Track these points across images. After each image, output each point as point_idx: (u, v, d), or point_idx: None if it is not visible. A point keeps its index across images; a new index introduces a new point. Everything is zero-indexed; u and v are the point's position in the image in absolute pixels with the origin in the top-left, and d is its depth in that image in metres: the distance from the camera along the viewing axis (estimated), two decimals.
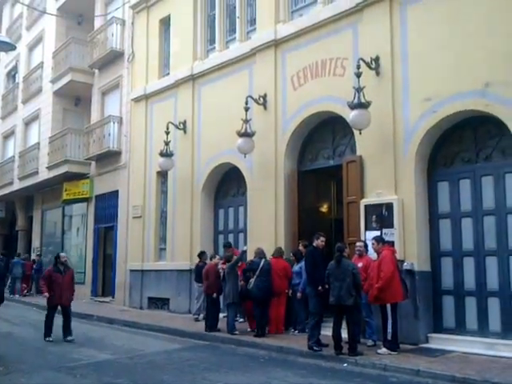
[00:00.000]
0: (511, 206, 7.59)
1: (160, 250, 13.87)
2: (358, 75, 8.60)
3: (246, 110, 10.55)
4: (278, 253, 9.62)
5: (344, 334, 7.63)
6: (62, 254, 10.10)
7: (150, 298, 13.85)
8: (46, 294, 9.47)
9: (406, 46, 8.70)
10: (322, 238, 8.38)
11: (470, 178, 8.14)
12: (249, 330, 9.57)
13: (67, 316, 9.46)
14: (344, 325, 7.68)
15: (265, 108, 10.95)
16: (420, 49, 8.50)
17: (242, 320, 10.38)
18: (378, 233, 8.58)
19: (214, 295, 9.92)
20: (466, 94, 7.86)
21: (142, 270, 14.03)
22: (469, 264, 8.03)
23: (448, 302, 8.23)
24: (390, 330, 7.53)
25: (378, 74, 8.96)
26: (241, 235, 11.91)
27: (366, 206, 8.90)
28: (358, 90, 8.58)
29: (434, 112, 8.23)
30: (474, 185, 8.08)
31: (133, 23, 15.54)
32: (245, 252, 10.17)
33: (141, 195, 14.37)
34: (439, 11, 8.29)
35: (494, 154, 7.98)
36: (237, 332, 9.39)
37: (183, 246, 12.74)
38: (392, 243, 8.10)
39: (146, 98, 14.52)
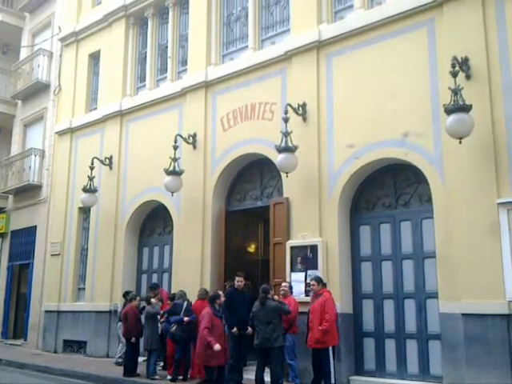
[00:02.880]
0: (428, 250, 7.93)
1: (79, 289, 13.24)
2: (286, 120, 8.84)
3: (175, 148, 10.51)
4: (204, 295, 9.45)
5: (267, 378, 7.53)
6: None
7: (65, 341, 13.10)
8: None
9: (331, 95, 9.08)
10: (238, 278, 8.34)
11: (390, 222, 8.47)
12: (169, 377, 9.16)
13: None
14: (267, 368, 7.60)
15: (194, 147, 10.95)
16: (344, 97, 8.88)
17: (162, 364, 10.00)
18: (303, 274, 8.70)
19: (133, 339, 9.54)
20: (387, 143, 8.26)
21: (59, 311, 13.29)
22: (389, 306, 8.26)
23: (369, 344, 8.38)
24: (332, 372, 7.30)
25: (304, 119, 9.25)
26: (165, 275, 11.63)
27: (291, 248, 9.00)
28: (286, 134, 8.80)
29: (357, 158, 8.57)
30: (394, 229, 8.41)
31: (61, 56, 15.24)
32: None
33: (61, 231, 13.77)
34: (363, 63, 8.75)
35: (412, 201, 8.38)
36: (157, 376, 9.04)
37: (103, 285, 12.24)
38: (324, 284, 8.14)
39: (71, 131, 14.13)
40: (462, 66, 7.38)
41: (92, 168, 12.19)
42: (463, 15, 7.68)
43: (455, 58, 7.26)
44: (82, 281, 13.14)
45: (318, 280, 7.79)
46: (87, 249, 13.12)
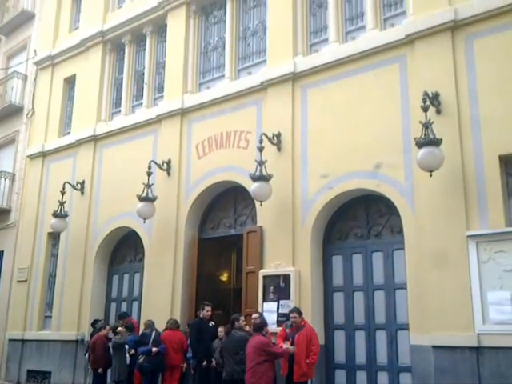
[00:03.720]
0: (399, 281, 7.98)
1: (45, 317, 12.86)
2: (261, 149, 8.89)
3: (149, 174, 10.43)
4: (173, 325, 9.26)
5: None
6: None
7: (29, 371, 12.64)
8: None
9: (305, 125, 9.19)
10: (207, 308, 8.24)
11: (362, 253, 8.52)
12: None
13: None
14: None
15: (168, 174, 10.89)
16: (318, 128, 9.00)
17: None
18: (275, 304, 8.64)
19: (100, 370, 9.27)
20: (359, 174, 8.36)
21: (23, 340, 12.86)
22: (360, 338, 8.23)
23: (340, 376, 8.31)
24: None
25: (279, 149, 9.32)
26: (135, 304, 11.40)
27: (264, 277, 8.94)
28: (260, 163, 8.84)
29: (330, 188, 8.64)
30: (366, 260, 8.45)
31: (35, 79, 15.12)
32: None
33: (28, 257, 13.42)
34: (337, 96, 8.90)
35: (384, 232, 8.46)
36: None
37: (71, 314, 11.91)
38: None
39: (43, 155, 13.93)
40: (432, 100, 7.57)
41: (63, 193, 11.98)
42: (434, 52, 7.92)
43: (426, 93, 7.45)
44: (49, 308, 12.78)
45: (298, 311, 7.62)
46: (55, 275, 12.81)
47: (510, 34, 7.37)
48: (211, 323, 8.74)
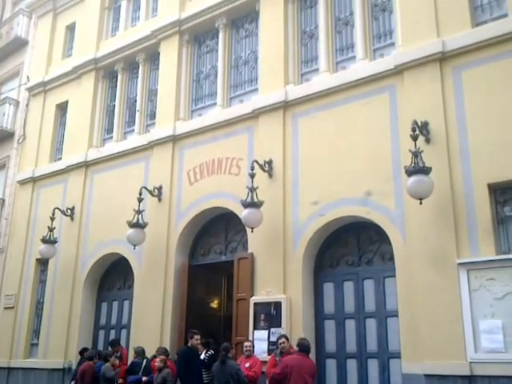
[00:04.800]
0: (391, 309, 7.96)
1: (32, 345, 12.63)
2: (252, 176, 8.94)
3: (140, 200, 10.41)
4: (162, 353, 9.11)
5: None
6: None
7: None
8: None
9: (296, 153, 9.28)
10: (197, 337, 8.13)
11: (354, 280, 8.51)
12: None
13: None
14: None
15: (159, 200, 10.89)
16: (309, 156, 9.09)
17: None
18: (266, 332, 8.57)
19: None
20: (350, 201, 8.42)
21: (9, 368, 12.59)
22: (352, 366, 8.17)
23: None
24: None
25: (270, 176, 9.38)
26: (123, 331, 11.24)
27: (255, 304, 8.89)
28: (252, 189, 8.88)
29: (321, 215, 8.68)
30: (357, 287, 8.44)
31: (27, 105, 15.16)
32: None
33: (16, 283, 13.23)
34: (327, 124, 9.01)
35: (375, 259, 8.48)
36: None
37: (58, 341, 11.71)
38: None
39: (33, 181, 13.88)
40: (421, 129, 7.69)
41: (53, 218, 11.92)
42: (423, 82, 8.08)
43: (415, 122, 7.57)
44: (36, 336, 12.56)
45: (287, 337, 7.68)
46: (43, 302, 12.63)
47: (496, 66, 7.56)
48: (210, 352, 8.59)
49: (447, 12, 8.16)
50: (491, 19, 8.00)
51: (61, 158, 13.67)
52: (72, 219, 12.45)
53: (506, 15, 7.80)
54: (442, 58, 8.02)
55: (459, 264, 7.10)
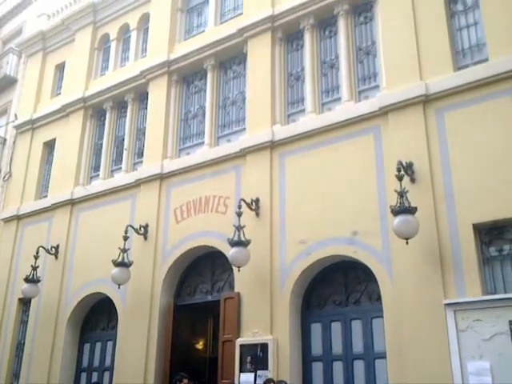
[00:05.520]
0: (378, 350, 7.87)
1: None
2: (239, 214, 8.93)
3: (125, 239, 10.32)
4: None
5: None
6: None
7: None
8: None
9: (283, 191, 9.31)
10: (185, 381, 7.94)
11: (341, 320, 8.43)
12: None
13: None
14: None
15: (145, 238, 10.80)
16: (296, 195, 9.13)
17: None
18: (252, 375, 8.40)
19: None
20: (337, 240, 8.42)
21: None
22: None
23: None
24: None
25: (257, 214, 9.38)
26: (106, 374, 10.95)
27: (241, 346, 8.73)
28: (239, 228, 8.86)
29: (309, 254, 8.65)
30: (345, 328, 8.35)
31: (14, 143, 15.15)
32: None
33: None
34: (314, 163, 9.10)
35: (363, 299, 8.42)
36: None
37: None
38: None
39: (18, 218, 13.73)
40: (406, 170, 7.79)
41: (37, 257, 11.74)
42: (407, 123, 8.24)
43: (400, 163, 7.68)
44: (16, 379, 12.17)
45: (274, 381, 7.56)
46: (24, 343, 12.30)
47: (478, 108, 7.74)
48: None
49: (430, 56, 8.41)
50: (472, 63, 8.24)
51: (46, 196, 13.58)
52: (56, 258, 12.28)
53: (486, 60, 8.04)
54: (426, 101, 8.20)
55: (446, 305, 7.07)
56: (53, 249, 12.32)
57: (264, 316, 8.70)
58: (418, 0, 8.80)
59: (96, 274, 11.25)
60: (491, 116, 7.59)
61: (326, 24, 10.26)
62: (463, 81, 7.93)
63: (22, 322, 12.75)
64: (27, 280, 11.55)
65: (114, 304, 10.98)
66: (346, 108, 9.15)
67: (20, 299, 12.67)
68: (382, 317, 7.80)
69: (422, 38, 8.54)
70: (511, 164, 7.21)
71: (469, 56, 8.39)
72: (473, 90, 7.85)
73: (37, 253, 11.79)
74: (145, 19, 13.46)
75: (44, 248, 12.13)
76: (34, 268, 11.63)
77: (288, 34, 10.63)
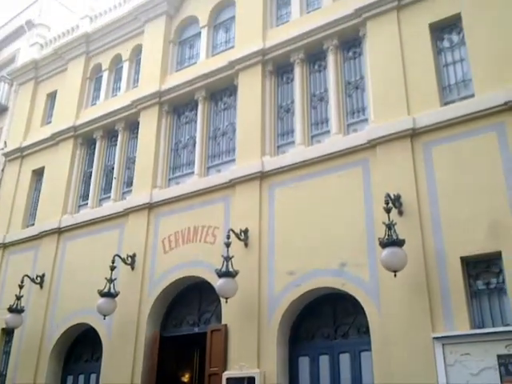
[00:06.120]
0: None
1: None
2: (228, 245, 8.89)
3: (112, 269, 10.19)
4: None
5: None
6: None
7: None
8: None
9: (273, 222, 9.31)
10: None
11: (329, 354, 8.34)
12: None
13: None
14: None
15: (132, 268, 10.69)
16: (285, 226, 9.14)
17: None
18: None
19: None
20: (326, 272, 8.40)
21: None
22: None
23: None
24: None
25: (246, 245, 9.35)
26: None
27: (227, 379, 8.57)
28: (227, 258, 8.81)
29: (297, 286, 8.60)
30: (333, 362, 8.25)
31: (3, 170, 15.08)
32: None
33: None
34: (303, 195, 9.15)
35: (351, 332, 8.35)
36: None
37: None
38: None
39: (3, 247, 13.56)
40: (394, 202, 7.85)
41: (21, 286, 11.54)
42: (395, 156, 8.34)
43: (388, 195, 7.73)
44: None
45: None
46: (6, 374, 11.99)
47: (465, 143, 7.87)
48: None
49: (417, 91, 8.58)
50: (459, 99, 8.42)
51: (33, 224, 13.46)
52: (41, 287, 12.10)
53: (472, 95, 8.21)
54: (413, 134, 8.33)
55: (434, 338, 7.04)
56: (38, 278, 12.14)
57: (251, 349, 8.59)
58: (405, 36, 9.03)
59: (81, 304, 11.08)
60: (477, 151, 7.71)
61: (315, 58, 10.47)
62: (450, 116, 8.09)
63: (5, 353, 12.45)
64: (11, 310, 11.32)
65: (98, 335, 10.78)
66: (335, 140, 9.26)
67: (3, 329, 12.40)
68: (370, 350, 7.73)
69: (410, 73, 8.75)
70: (497, 197, 7.30)
71: (455, 91, 8.58)
72: (459, 124, 8.00)
73: (22, 282, 11.60)
74: (137, 50, 13.64)
75: (29, 277, 11.95)
76: (18, 297, 11.42)
77: (278, 68, 10.82)
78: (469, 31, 8.50)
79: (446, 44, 8.96)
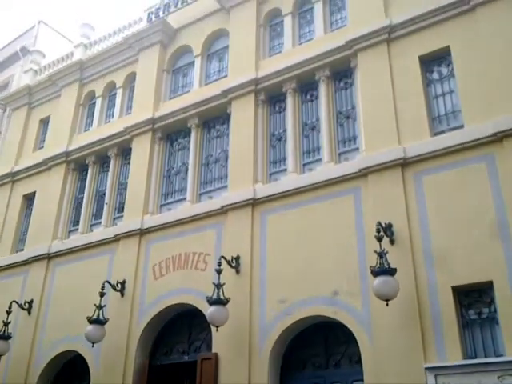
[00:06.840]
0: None
1: None
2: (219, 272, 8.85)
3: (101, 295, 10.09)
4: None
5: None
6: None
7: None
8: None
9: (264, 250, 9.31)
10: None
11: None
12: None
13: None
14: None
15: (122, 295, 10.59)
16: (277, 253, 9.13)
17: None
18: None
19: None
20: (317, 300, 8.37)
21: None
22: None
23: None
24: None
25: (237, 272, 9.32)
26: None
27: None
28: (218, 286, 8.75)
29: (289, 314, 8.55)
30: None
31: None
32: None
33: None
34: (295, 222, 9.18)
35: (343, 361, 8.29)
36: None
37: None
38: None
39: None
40: (386, 231, 7.89)
41: (9, 312, 11.36)
42: (386, 185, 8.43)
43: (379, 224, 7.78)
44: None
45: None
46: None
47: (455, 173, 7.98)
48: None
49: (407, 121, 8.73)
50: (448, 129, 8.58)
51: (23, 249, 13.33)
52: (29, 313, 11.92)
53: (462, 126, 8.36)
54: (404, 164, 8.44)
55: (426, 368, 7.00)
56: (26, 304, 11.97)
57: (242, 378, 8.47)
58: (396, 68, 9.23)
59: (70, 331, 10.92)
60: (467, 181, 7.82)
61: (307, 88, 10.64)
62: (439, 146, 8.22)
63: None
64: None
65: (86, 363, 10.60)
66: (327, 169, 9.34)
67: None
68: (362, 380, 7.67)
69: (400, 103, 8.91)
70: (488, 228, 7.37)
71: (445, 122, 8.74)
72: (449, 155, 8.13)
73: (9, 308, 11.43)
74: (131, 78, 13.78)
75: (17, 303, 11.78)
76: (6, 324, 11.24)
77: (271, 97, 10.96)
78: (458, 64, 8.71)
79: (435, 76, 9.15)
